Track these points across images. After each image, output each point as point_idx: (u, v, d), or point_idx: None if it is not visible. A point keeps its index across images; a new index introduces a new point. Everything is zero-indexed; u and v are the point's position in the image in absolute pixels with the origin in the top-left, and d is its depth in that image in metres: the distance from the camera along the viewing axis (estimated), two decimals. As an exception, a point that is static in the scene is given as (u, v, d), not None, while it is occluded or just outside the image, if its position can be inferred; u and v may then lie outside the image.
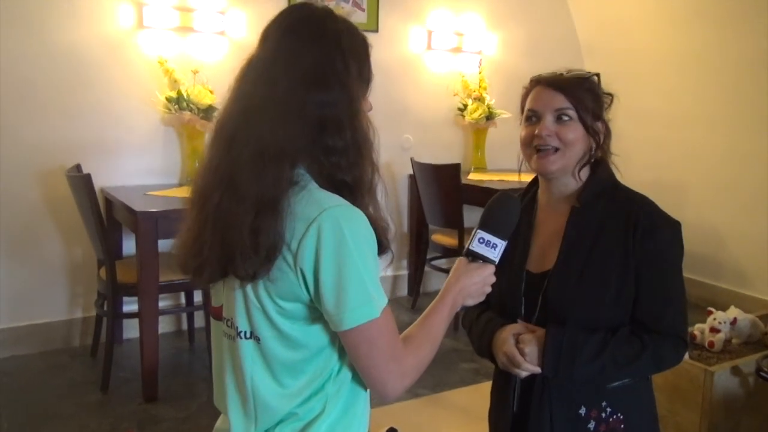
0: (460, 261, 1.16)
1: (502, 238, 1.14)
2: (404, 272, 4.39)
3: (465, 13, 4.43)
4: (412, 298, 4.20)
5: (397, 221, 4.35)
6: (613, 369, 1.21)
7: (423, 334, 1.05)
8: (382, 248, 1.03)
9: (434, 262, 4.15)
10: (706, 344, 2.58)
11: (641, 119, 4.58)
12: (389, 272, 4.33)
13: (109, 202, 3.30)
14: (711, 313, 2.68)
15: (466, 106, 4.37)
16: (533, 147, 1.28)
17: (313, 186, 0.98)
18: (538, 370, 1.23)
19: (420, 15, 4.28)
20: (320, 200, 0.96)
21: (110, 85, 3.41)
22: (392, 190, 4.31)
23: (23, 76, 3.20)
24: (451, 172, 3.73)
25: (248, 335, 1.02)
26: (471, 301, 1.14)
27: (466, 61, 4.47)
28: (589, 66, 4.67)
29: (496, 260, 1.14)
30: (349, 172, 0.99)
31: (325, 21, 1.01)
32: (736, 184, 4.03)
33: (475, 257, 1.14)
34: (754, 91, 3.84)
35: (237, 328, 1.03)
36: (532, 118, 1.29)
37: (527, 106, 1.31)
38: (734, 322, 2.64)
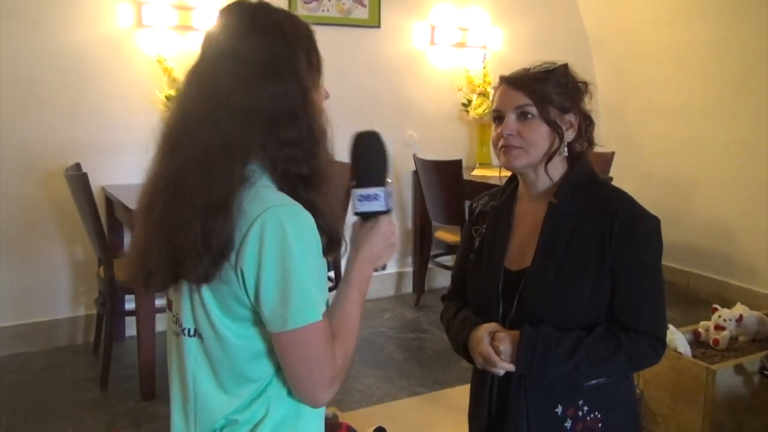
0: (354, 227, 1.09)
1: (379, 184, 1.06)
2: (409, 269, 4.36)
3: (469, 7, 4.37)
4: (416, 295, 4.17)
5: (401, 218, 4.32)
6: (588, 368, 1.18)
7: (344, 329, 1.00)
8: (336, 242, 1.00)
9: (438, 259, 4.11)
10: (711, 342, 2.52)
11: (652, 113, 4.50)
12: (394, 269, 4.31)
13: (110, 200, 3.31)
14: (716, 310, 2.61)
15: (470, 101, 4.32)
16: (500, 146, 1.27)
17: (261, 183, 0.95)
18: (513, 368, 1.20)
19: (423, 10, 4.23)
20: (264, 198, 0.93)
21: (110, 84, 3.42)
22: (396, 187, 4.29)
23: (23, 76, 3.22)
24: (453, 168, 3.68)
25: (192, 333, 1.01)
26: (383, 261, 1.08)
27: (471, 56, 4.41)
28: (598, 60, 4.65)
29: (386, 208, 1.06)
30: (305, 164, 0.97)
31: (263, 13, 0.99)
32: (747, 179, 3.94)
33: (365, 216, 1.07)
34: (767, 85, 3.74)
35: (182, 324, 1.02)
36: (497, 118, 1.29)
37: (493, 106, 1.31)
38: (740, 319, 2.57)
